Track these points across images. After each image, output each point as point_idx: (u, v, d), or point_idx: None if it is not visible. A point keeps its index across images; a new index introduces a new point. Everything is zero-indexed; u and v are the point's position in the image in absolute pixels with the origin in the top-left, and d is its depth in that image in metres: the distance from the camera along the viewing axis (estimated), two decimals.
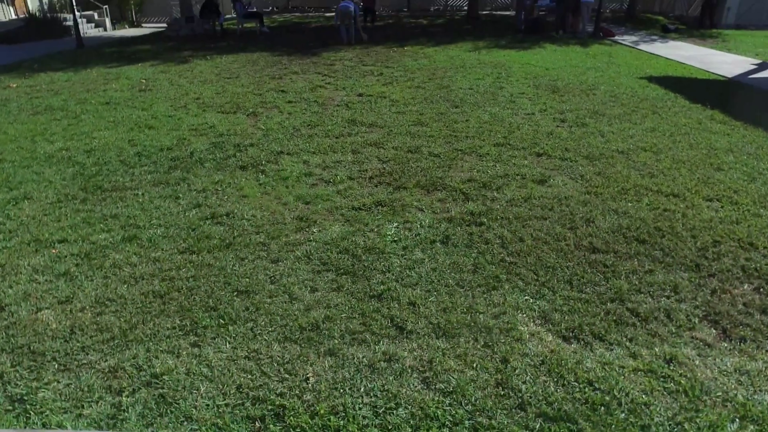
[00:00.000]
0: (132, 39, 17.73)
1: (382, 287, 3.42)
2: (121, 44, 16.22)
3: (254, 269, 3.67)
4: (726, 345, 2.97)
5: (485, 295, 3.35)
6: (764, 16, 20.22)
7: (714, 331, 3.08)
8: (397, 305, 3.25)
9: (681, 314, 3.20)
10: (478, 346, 2.92)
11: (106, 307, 3.32)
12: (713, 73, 10.82)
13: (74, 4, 16.65)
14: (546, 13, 18.36)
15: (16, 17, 20.25)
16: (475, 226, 4.18)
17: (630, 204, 4.56)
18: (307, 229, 4.20)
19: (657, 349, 2.91)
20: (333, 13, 21.21)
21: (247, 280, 3.55)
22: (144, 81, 10.24)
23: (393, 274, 3.57)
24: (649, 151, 5.90)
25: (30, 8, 20.71)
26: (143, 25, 24.89)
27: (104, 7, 22.53)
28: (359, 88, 9.08)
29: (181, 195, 4.94)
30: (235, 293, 3.42)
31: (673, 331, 3.07)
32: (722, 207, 4.54)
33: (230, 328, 3.10)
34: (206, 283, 3.53)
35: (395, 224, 4.24)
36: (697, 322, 3.15)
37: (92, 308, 3.30)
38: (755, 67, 11.64)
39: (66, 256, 3.91)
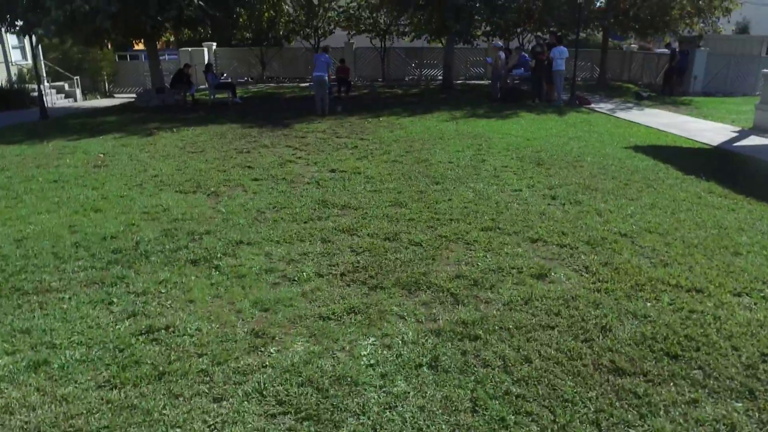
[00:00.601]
0: (100, 110, 17.17)
1: None
2: (87, 115, 15.61)
3: (189, 413, 2.83)
4: None
5: None
6: (728, 85, 20.70)
7: None
8: None
9: None
10: None
11: None
12: (696, 141, 10.55)
13: (38, 73, 16.17)
14: (519, 82, 18.38)
15: None
16: (469, 341, 3.41)
17: (649, 304, 3.86)
18: (262, 349, 3.39)
19: None
20: (307, 83, 21.10)
21: (178, 431, 2.70)
22: (101, 155, 9.53)
23: (369, 418, 2.76)
24: (654, 232, 5.29)
25: None
26: (116, 95, 24.52)
27: (75, 78, 22.15)
28: (332, 162, 8.48)
29: (115, 300, 4.11)
30: None
31: None
32: (756, 304, 3.87)
33: None
34: None
35: (371, 340, 3.46)
36: None
37: None
38: (736, 134, 11.45)
39: None
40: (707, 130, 11.79)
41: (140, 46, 29.51)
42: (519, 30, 23.91)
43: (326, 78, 14.15)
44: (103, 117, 14.97)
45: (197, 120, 13.59)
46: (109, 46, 23.95)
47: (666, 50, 22.45)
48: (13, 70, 21.12)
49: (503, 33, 23.45)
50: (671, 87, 19.64)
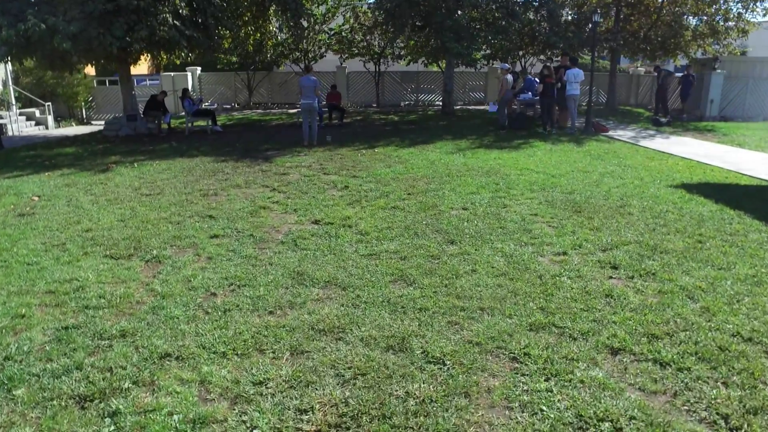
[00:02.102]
0: (64, 139, 15.43)
1: None
2: (46, 146, 13.85)
3: None
4: None
5: None
6: (747, 109, 19.33)
7: None
8: None
9: None
10: None
11: None
12: (753, 176, 8.90)
13: None
14: (524, 107, 16.80)
15: None
16: None
17: None
18: None
19: None
20: (296, 110, 19.52)
21: None
22: (35, 198, 7.78)
23: None
24: None
25: None
26: (93, 122, 22.93)
27: (46, 104, 20.54)
28: (316, 209, 6.75)
29: None
30: None
31: None
32: None
33: None
34: None
35: None
36: None
37: None
38: None
39: None
40: (756, 162, 10.19)
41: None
42: (521, 53, 22.56)
43: (316, 105, 12.53)
44: (63, 148, 13.23)
45: (166, 152, 11.87)
46: (87, 69, 22.40)
47: (654, 72, 21.17)
48: None
49: (504, 56, 22.10)
50: (665, 109, 18.46)
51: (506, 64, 16.26)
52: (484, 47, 19.93)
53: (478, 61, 19.79)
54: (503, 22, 18.28)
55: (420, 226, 5.96)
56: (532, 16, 19.43)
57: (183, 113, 17.21)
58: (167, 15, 13.63)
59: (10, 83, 20.36)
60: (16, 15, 12.32)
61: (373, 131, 14.99)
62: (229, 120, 18.85)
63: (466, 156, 10.66)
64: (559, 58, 20.32)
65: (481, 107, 23.35)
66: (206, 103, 23.81)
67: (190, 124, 15.81)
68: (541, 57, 22.80)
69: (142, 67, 25.02)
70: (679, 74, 19.95)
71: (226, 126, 17.02)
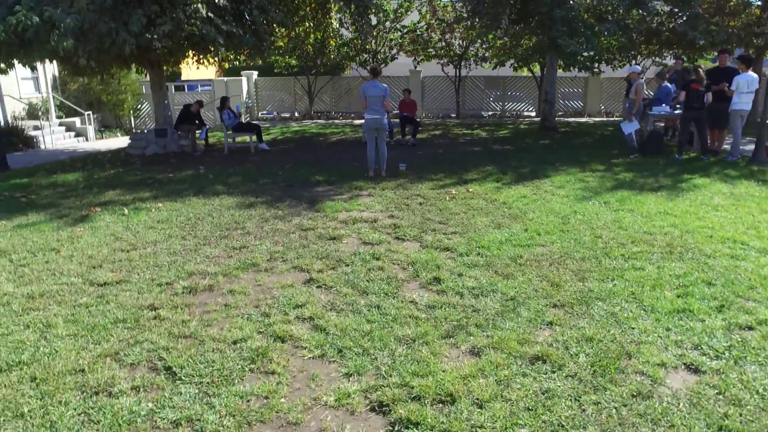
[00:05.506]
0: (84, 158, 12.88)
1: None
2: (53, 168, 11.18)
3: None
4: None
5: None
6: None
7: None
8: None
9: None
10: None
11: None
12: None
13: (3, 109, 12.11)
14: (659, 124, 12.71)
15: None
16: None
17: None
18: None
19: None
20: (362, 120, 16.32)
21: None
22: None
23: None
24: None
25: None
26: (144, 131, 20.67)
27: (86, 113, 18.36)
28: (381, 352, 3.27)
29: None
30: None
31: None
32: None
33: None
34: None
35: None
36: None
37: None
38: None
39: None
40: None
41: (192, 75, 25.52)
42: (632, 53, 18.37)
43: (385, 121, 9.18)
44: (66, 173, 10.51)
45: (183, 185, 8.84)
46: (138, 71, 20.13)
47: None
48: (20, 105, 17.55)
49: (614, 57, 18.06)
50: None
51: (638, 67, 12.30)
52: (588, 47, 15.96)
53: (581, 63, 15.71)
54: (615, 15, 14.37)
55: None
56: (659, 7, 15.22)
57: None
58: (200, 5, 10.70)
59: (49, 90, 18.37)
60: (11, 6, 9.72)
61: (459, 153, 11.48)
62: (283, 133, 15.88)
63: (609, 204, 6.95)
64: (682, 59, 16.01)
65: (582, 119, 19.36)
66: (263, 112, 21.13)
67: (230, 140, 12.90)
68: (656, 59, 18.63)
69: (208, 72, 22.63)
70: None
71: (277, 142, 14.02)
